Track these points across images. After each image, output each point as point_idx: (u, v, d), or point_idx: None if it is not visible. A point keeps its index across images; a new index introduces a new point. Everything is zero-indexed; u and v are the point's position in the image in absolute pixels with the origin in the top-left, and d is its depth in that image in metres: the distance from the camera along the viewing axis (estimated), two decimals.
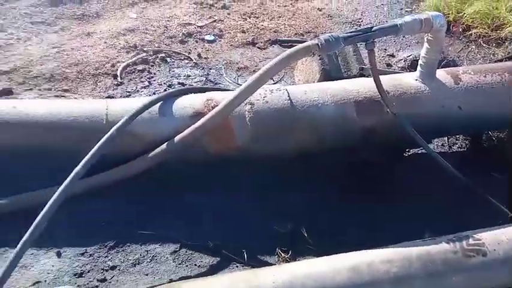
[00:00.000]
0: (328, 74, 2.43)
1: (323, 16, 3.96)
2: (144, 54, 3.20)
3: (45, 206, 1.59)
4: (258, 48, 3.48)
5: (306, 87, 2.27)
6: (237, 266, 1.80)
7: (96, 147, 1.77)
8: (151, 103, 2.05)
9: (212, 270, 1.78)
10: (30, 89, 2.69)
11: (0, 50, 3.00)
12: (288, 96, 2.13)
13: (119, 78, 2.92)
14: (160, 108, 2.08)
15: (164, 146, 1.97)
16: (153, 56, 3.20)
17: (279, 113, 2.08)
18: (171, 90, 2.16)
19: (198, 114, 2.05)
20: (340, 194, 2.11)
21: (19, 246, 1.51)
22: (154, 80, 2.96)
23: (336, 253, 1.58)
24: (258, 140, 2.10)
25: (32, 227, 1.54)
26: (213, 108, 2.06)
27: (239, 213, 2.00)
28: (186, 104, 2.13)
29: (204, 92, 2.25)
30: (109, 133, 1.82)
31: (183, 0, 4.05)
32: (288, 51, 1.92)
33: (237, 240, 1.88)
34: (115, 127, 1.84)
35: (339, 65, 2.48)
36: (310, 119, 2.10)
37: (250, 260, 1.82)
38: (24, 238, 1.52)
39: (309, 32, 3.68)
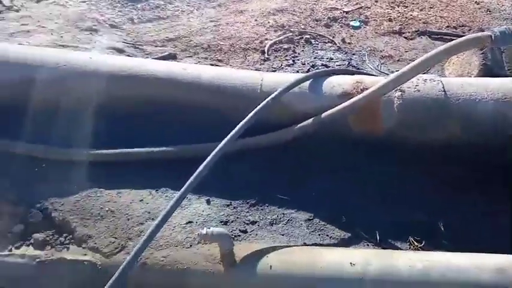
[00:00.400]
0: (490, 70, 2.28)
1: (481, 10, 3.67)
2: (290, 34, 3.34)
3: (205, 158, 1.82)
4: (405, 38, 3.38)
5: (462, 81, 2.17)
6: (367, 245, 1.84)
7: (253, 112, 1.94)
8: (303, 79, 2.17)
9: (343, 244, 1.84)
10: (190, 56, 3.02)
11: (168, 20, 3.40)
12: (443, 87, 2.06)
13: (266, 55, 3.10)
14: (310, 85, 2.19)
15: (311, 120, 2.08)
16: (299, 37, 3.33)
17: (430, 103, 2.04)
18: (320, 69, 2.26)
19: (346, 94, 2.12)
20: (487, 196, 1.99)
21: (183, 189, 1.74)
22: (298, 60, 3.08)
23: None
24: (404, 126, 2.09)
25: (194, 175, 1.76)
26: (362, 90, 2.11)
27: (375, 196, 2.02)
28: (334, 83, 2.20)
29: (352, 75, 2.30)
30: (265, 101, 1.98)
31: None
32: (455, 41, 1.85)
33: (371, 220, 1.91)
34: (271, 96, 1.99)
35: (503, 61, 2.30)
36: (464, 114, 2.01)
37: (382, 242, 1.83)
38: (187, 183, 1.75)
39: (463, 26, 3.45)
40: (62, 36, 2.74)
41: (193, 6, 3.59)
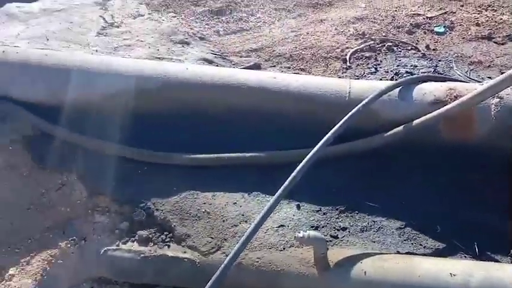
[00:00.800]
0: None
1: None
2: (372, 42, 3.33)
3: (295, 164, 1.88)
4: (495, 43, 3.22)
5: None
6: (464, 256, 1.78)
7: (344, 119, 1.97)
8: (393, 86, 2.16)
9: (438, 254, 1.81)
10: (274, 66, 3.12)
11: (251, 31, 3.54)
12: None
13: (347, 63, 3.12)
14: (400, 92, 2.18)
15: (402, 127, 2.06)
16: (380, 44, 3.30)
17: None
18: (410, 77, 2.23)
19: (439, 102, 2.09)
20: None
21: (278, 193, 1.81)
22: (380, 67, 3.06)
23: None
24: (501, 134, 2.01)
25: (288, 180, 1.83)
26: (455, 97, 2.06)
27: (468, 205, 1.96)
28: (426, 90, 2.18)
29: (444, 81, 2.25)
30: (356, 108, 2.00)
31: None
32: None
33: (464, 230, 1.86)
34: (362, 103, 2.02)
35: None
36: None
37: (481, 254, 1.77)
38: (282, 188, 1.82)
39: None
40: (158, 49, 2.98)
41: (275, 17, 3.71)
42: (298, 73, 3.05)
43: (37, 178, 2.46)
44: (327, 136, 1.91)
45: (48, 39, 3.01)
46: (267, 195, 2.12)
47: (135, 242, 2.11)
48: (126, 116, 2.40)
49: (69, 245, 2.17)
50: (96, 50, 2.93)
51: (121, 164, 2.34)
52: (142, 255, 2.03)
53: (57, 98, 2.46)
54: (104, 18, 3.38)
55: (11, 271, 2.14)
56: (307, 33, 3.46)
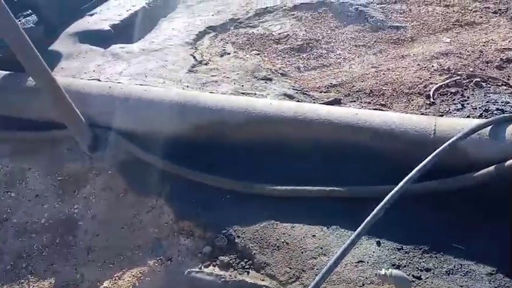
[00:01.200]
0: None
1: None
2: (458, 77, 3.23)
3: (376, 199, 1.87)
4: None
5: None
6: None
7: (430, 157, 1.94)
8: (483, 125, 2.09)
9: None
10: (354, 101, 3.15)
11: (331, 67, 3.62)
12: None
13: (431, 99, 3.05)
14: (491, 132, 2.09)
15: (493, 167, 1.97)
16: (467, 80, 3.19)
17: None
18: (502, 115, 2.13)
19: None
20: None
21: (360, 228, 1.80)
22: (467, 104, 2.95)
23: None
24: None
25: (370, 215, 1.83)
26: None
27: None
28: None
29: None
30: (443, 146, 1.96)
31: (501, 25, 3.87)
32: None
33: None
34: (449, 141, 1.97)
35: None
36: None
37: None
38: (364, 223, 1.82)
39: None
40: (242, 85, 3.16)
41: (354, 53, 3.76)
42: (379, 109, 3.04)
43: (130, 200, 2.70)
44: (412, 173, 1.89)
45: (146, 76, 3.34)
46: (346, 230, 2.12)
47: (216, 267, 2.21)
48: (213, 146, 2.57)
49: (156, 264, 2.34)
50: (187, 86, 3.19)
51: (205, 191, 2.49)
52: (222, 279, 2.12)
53: (152, 128, 2.71)
54: (194, 57, 3.68)
55: (105, 284, 2.34)
56: (388, 69, 3.46)
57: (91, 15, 4.59)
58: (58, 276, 2.49)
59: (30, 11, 5.00)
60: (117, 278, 2.35)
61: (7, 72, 3.25)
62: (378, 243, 2.04)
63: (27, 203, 2.90)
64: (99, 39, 4.06)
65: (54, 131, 2.96)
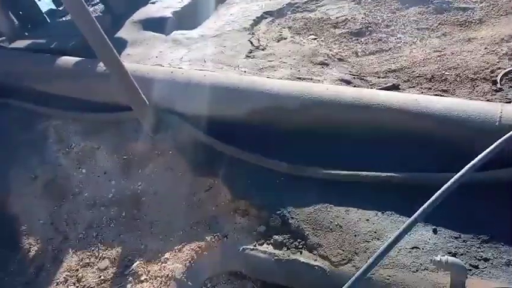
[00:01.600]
0: None
1: None
2: None
3: (434, 187, 1.83)
4: None
5: None
6: None
7: (494, 145, 1.85)
8: None
9: None
10: (413, 87, 3.06)
11: (390, 52, 3.53)
12: None
13: (498, 85, 2.89)
14: None
15: None
16: None
17: None
18: None
19: None
20: None
21: (416, 215, 1.77)
22: None
23: None
24: None
25: (428, 203, 1.80)
26: None
27: None
28: None
29: None
30: (509, 134, 1.88)
31: None
32: None
33: None
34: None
35: None
36: None
37: None
38: (420, 210, 1.79)
39: None
40: (299, 70, 3.18)
41: (416, 37, 3.62)
42: (440, 95, 2.93)
43: (190, 179, 2.85)
44: (474, 161, 1.83)
45: (205, 61, 3.46)
46: (402, 216, 2.11)
47: (270, 245, 2.30)
48: (269, 130, 2.63)
49: (213, 240, 2.47)
50: (245, 71, 3.26)
51: (261, 173, 2.56)
52: (276, 257, 2.20)
53: (211, 111, 2.82)
54: (251, 42, 3.74)
55: (166, 255, 2.51)
56: (452, 53, 3.30)
57: (153, 3, 4.79)
58: (124, 245, 2.70)
59: (97, 0, 5.32)
60: (177, 250, 2.51)
61: (79, 58, 3.51)
62: (435, 231, 2.01)
63: (96, 178, 3.15)
64: (162, 26, 4.25)
65: (120, 113, 3.17)
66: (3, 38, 4.67)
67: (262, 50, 3.65)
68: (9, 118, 3.75)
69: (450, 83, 3.04)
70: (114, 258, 2.68)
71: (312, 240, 2.17)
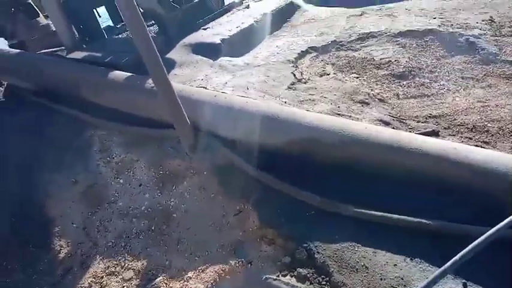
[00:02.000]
0: None
1: None
2: None
3: (472, 239, 1.80)
4: None
5: None
6: None
7: None
8: None
9: None
10: (453, 135, 3.03)
11: (432, 98, 3.52)
12: None
13: None
14: None
15: None
16: None
17: None
18: None
19: None
20: None
21: (445, 266, 1.74)
22: None
23: None
24: None
25: (460, 254, 1.76)
26: None
27: None
28: None
29: None
30: None
31: None
32: None
33: None
34: None
35: None
36: None
37: None
38: (451, 262, 1.76)
39: None
40: (338, 107, 3.22)
41: (460, 85, 3.61)
42: (481, 146, 2.89)
43: (221, 201, 2.91)
44: (511, 217, 1.80)
45: (248, 89, 3.57)
46: (431, 265, 2.07)
47: (293, 277, 2.29)
48: (307, 162, 2.67)
49: (237, 265, 2.49)
50: (285, 102, 3.34)
51: (291, 203, 2.59)
52: None
53: (249, 138, 2.90)
54: (294, 75, 3.84)
55: (190, 274, 2.55)
56: (496, 105, 3.26)
57: (205, 29, 5.02)
58: (150, 259, 2.77)
59: (153, 21, 5.62)
60: (200, 270, 2.55)
61: (130, 74, 3.70)
62: (465, 285, 1.96)
63: (132, 190, 3.27)
64: (210, 51, 4.43)
65: (163, 130, 3.30)
66: (63, 47, 5.01)
67: (304, 83, 3.73)
68: (59, 124, 3.97)
69: (492, 135, 2.99)
70: (139, 271, 2.74)
71: (336, 278, 2.15)
